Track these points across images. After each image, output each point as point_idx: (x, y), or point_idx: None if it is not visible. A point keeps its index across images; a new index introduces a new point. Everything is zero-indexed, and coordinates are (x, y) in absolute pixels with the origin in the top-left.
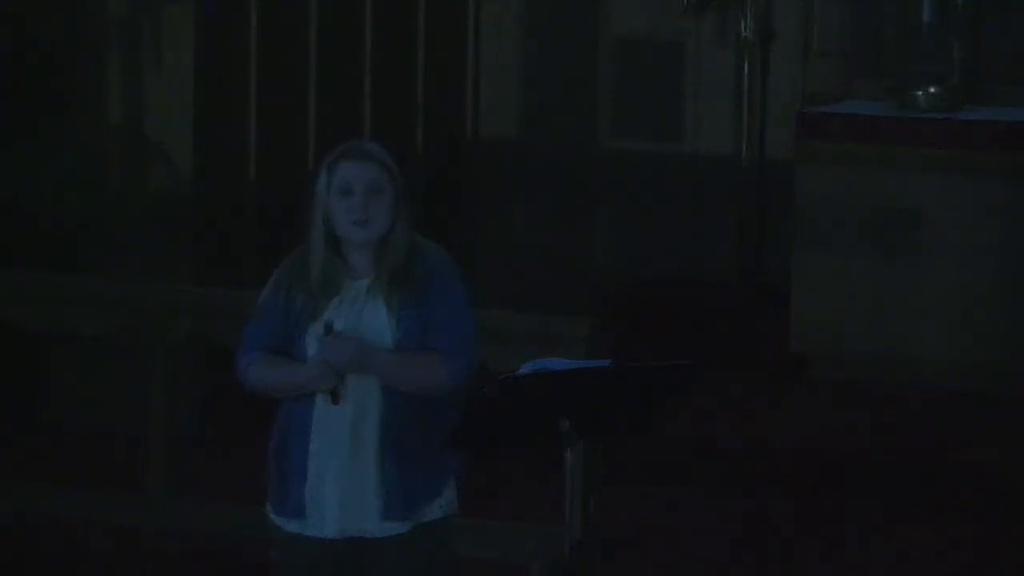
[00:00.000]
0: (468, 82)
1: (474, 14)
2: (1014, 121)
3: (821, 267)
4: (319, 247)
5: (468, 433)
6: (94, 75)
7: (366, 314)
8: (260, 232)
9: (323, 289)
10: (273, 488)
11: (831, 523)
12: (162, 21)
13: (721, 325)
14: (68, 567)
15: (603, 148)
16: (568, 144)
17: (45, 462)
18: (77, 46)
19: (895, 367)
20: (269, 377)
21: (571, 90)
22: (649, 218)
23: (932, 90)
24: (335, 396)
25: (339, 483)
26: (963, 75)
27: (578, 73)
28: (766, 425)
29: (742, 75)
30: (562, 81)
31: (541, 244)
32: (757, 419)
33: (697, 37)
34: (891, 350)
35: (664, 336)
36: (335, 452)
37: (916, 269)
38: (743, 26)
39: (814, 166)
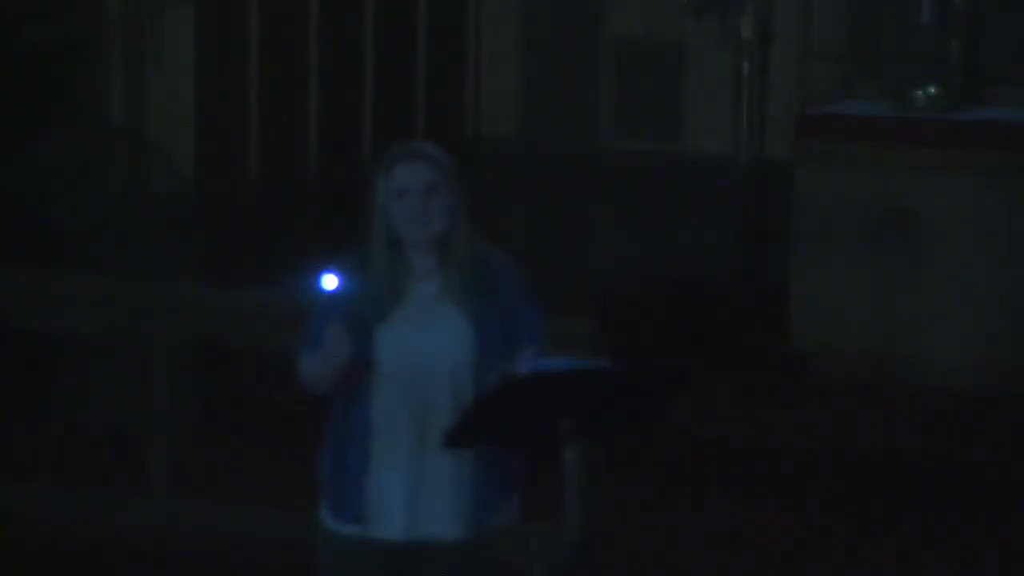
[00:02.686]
0: (468, 82)
1: (474, 14)
2: (1014, 121)
3: (821, 267)
4: (382, 251)
5: (467, 433)
6: (94, 75)
7: (441, 319)
8: (260, 232)
9: (389, 292)
10: (330, 492)
11: (831, 523)
12: (162, 21)
13: (721, 325)
14: (68, 567)
15: (603, 148)
16: (568, 144)
17: (45, 462)
18: (77, 46)
19: (895, 367)
20: (305, 370)
21: (571, 90)
22: (649, 218)
23: (931, 90)
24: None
25: (405, 483)
26: (963, 75)
27: (578, 73)
28: (766, 425)
29: (742, 75)
30: (562, 81)
31: (541, 244)
32: (757, 419)
33: (697, 37)
34: (891, 350)
35: (664, 336)
36: (401, 451)
37: (916, 269)
38: (743, 26)
39: (814, 166)
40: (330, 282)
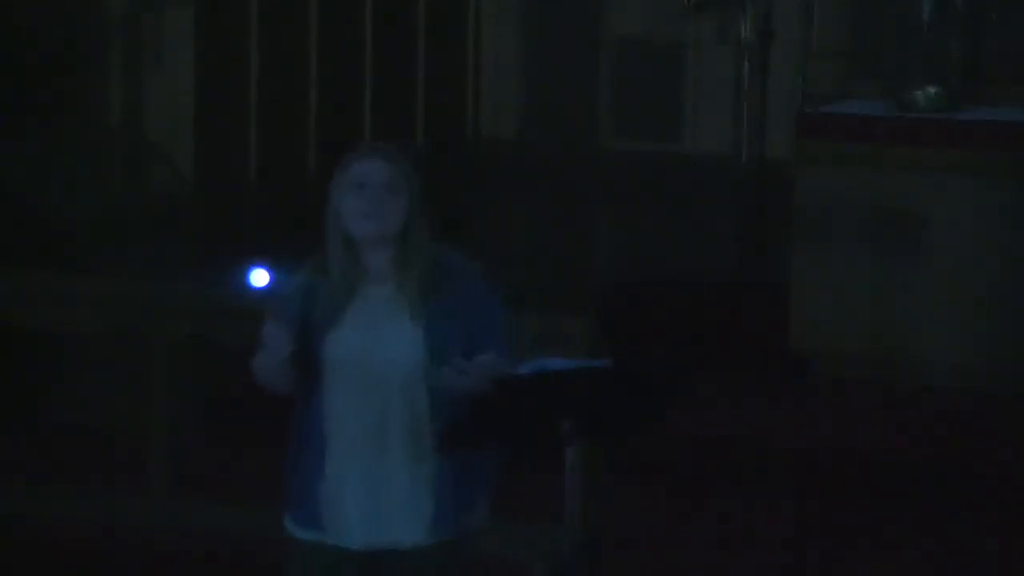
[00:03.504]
0: (468, 82)
1: (474, 14)
2: (1014, 121)
3: (821, 267)
4: (335, 249)
5: (467, 432)
6: (94, 75)
7: (392, 324)
8: (260, 232)
9: (342, 294)
10: (290, 495)
11: (831, 523)
12: (162, 21)
13: (721, 325)
14: (68, 567)
15: (603, 148)
16: (568, 144)
17: (45, 462)
18: (77, 46)
19: (895, 367)
20: (254, 369)
21: (571, 90)
22: (649, 218)
23: (931, 90)
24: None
25: (361, 491)
26: (963, 75)
27: (578, 73)
28: (766, 425)
29: (742, 75)
30: (562, 81)
31: (541, 243)
32: (757, 419)
33: (697, 37)
34: (891, 350)
35: (664, 336)
36: (355, 457)
37: (916, 269)
38: (743, 26)
39: (814, 166)
40: (259, 278)
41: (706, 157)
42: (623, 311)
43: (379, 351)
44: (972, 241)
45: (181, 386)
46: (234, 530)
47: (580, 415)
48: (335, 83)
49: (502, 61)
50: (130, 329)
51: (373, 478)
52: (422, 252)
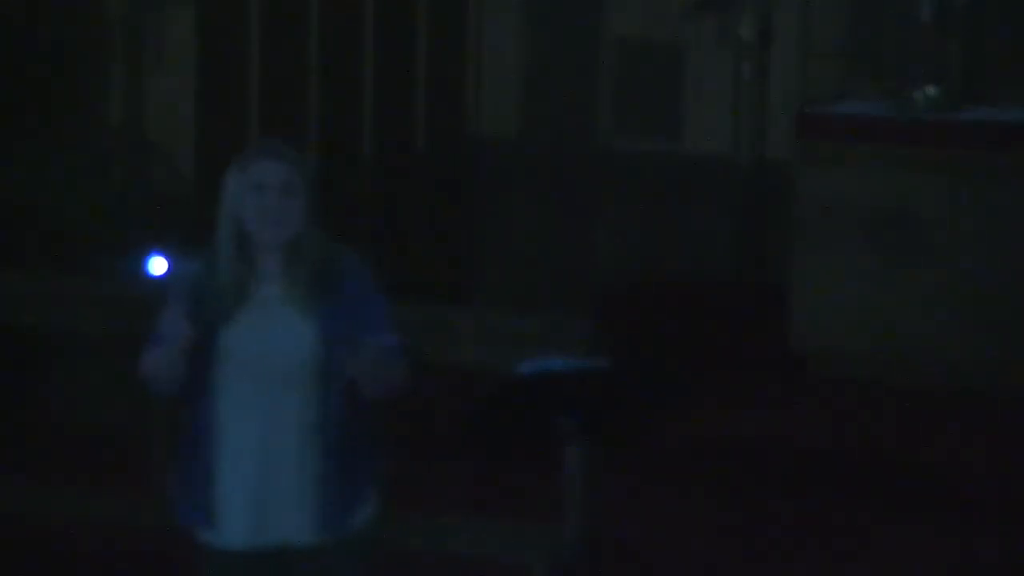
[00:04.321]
0: (468, 82)
1: (475, 14)
2: (1014, 121)
3: (821, 267)
4: (227, 249)
5: (468, 433)
6: (94, 75)
7: (284, 322)
8: None
9: (233, 293)
10: (180, 496)
11: (831, 523)
12: (162, 21)
13: (721, 325)
14: (68, 567)
15: (603, 148)
16: (568, 144)
17: (45, 462)
18: (77, 46)
19: (895, 367)
20: (145, 365)
21: (571, 90)
22: (649, 218)
23: (931, 91)
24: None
25: (250, 489)
26: (962, 75)
27: (578, 73)
28: (766, 424)
29: (742, 75)
30: (562, 81)
31: (541, 243)
32: (757, 419)
33: (697, 37)
34: (891, 350)
35: (664, 336)
36: (246, 455)
37: (916, 269)
38: (743, 26)
39: (814, 166)
40: (158, 266)
41: (706, 157)
42: (623, 311)
43: (271, 349)
44: (972, 241)
45: None
46: None
47: (580, 415)
48: (335, 83)
49: (502, 61)
50: (130, 329)
51: (263, 476)
52: (314, 253)
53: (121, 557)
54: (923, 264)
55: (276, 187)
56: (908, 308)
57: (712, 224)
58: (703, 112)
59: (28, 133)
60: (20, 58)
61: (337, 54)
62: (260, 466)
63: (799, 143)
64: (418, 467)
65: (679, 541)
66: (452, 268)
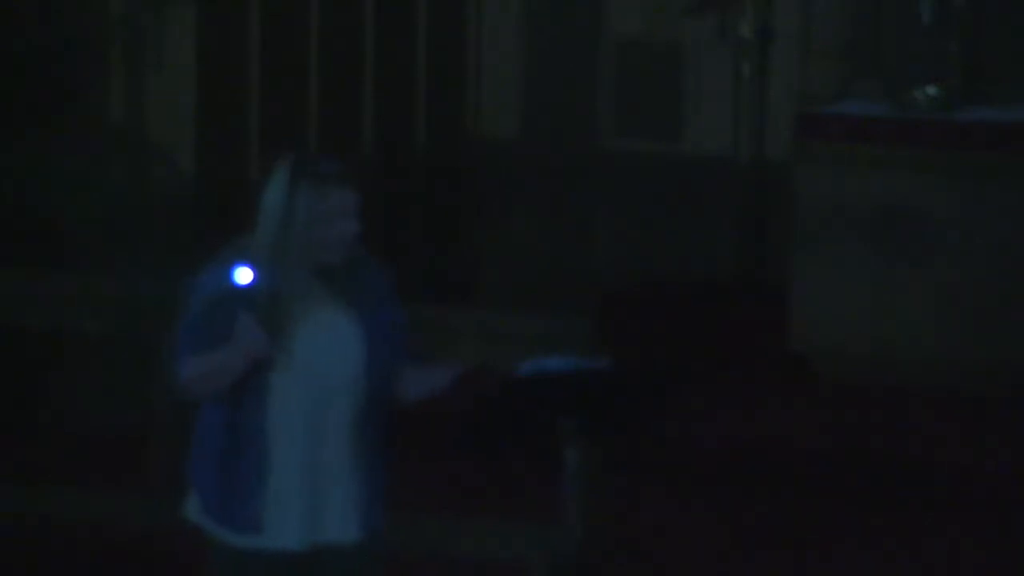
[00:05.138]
0: (468, 82)
1: (475, 14)
2: (1014, 121)
3: (821, 267)
4: (294, 262)
5: (468, 433)
6: (94, 75)
7: (335, 324)
8: None
9: (294, 304)
10: (217, 503)
11: (831, 523)
12: (162, 21)
13: (721, 325)
14: (68, 567)
15: (603, 148)
16: (568, 144)
17: (45, 462)
18: (77, 46)
19: (895, 367)
20: (203, 366)
21: (571, 90)
22: (649, 218)
23: (931, 90)
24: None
25: (303, 491)
26: (962, 75)
27: (578, 73)
28: (766, 425)
29: (742, 75)
30: (562, 81)
31: (541, 244)
32: (757, 419)
33: (697, 37)
34: (891, 350)
35: (664, 336)
36: (296, 458)
37: (916, 269)
38: (743, 26)
39: (813, 166)
40: (244, 276)
41: (706, 157)
42: (623, 311)
43: (327, 350)
44: (972, 241)
45: None
46: None
47: (580, 415)
48: (335, 83)
49: (502, 61)
50: (130, 329)
51: (314, 477)
52: (361, 266)
53: (121, 557)
54: (923, 264)
55: (354, 214)
56: (908, 308)
57: (712, 224)
58: (703, 112)
59: (28, 133)
60: (20, 58)
61: (337, 54)
62: (311, 467)
63: (799, 143)
64: (418, 467)
65: (679, 541)
66: (452, 268)
